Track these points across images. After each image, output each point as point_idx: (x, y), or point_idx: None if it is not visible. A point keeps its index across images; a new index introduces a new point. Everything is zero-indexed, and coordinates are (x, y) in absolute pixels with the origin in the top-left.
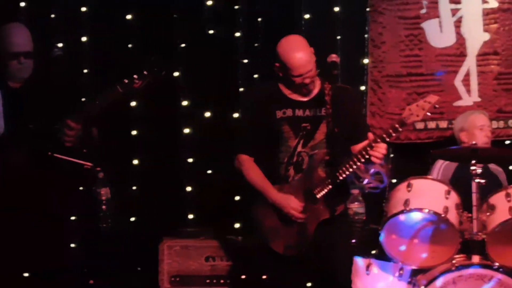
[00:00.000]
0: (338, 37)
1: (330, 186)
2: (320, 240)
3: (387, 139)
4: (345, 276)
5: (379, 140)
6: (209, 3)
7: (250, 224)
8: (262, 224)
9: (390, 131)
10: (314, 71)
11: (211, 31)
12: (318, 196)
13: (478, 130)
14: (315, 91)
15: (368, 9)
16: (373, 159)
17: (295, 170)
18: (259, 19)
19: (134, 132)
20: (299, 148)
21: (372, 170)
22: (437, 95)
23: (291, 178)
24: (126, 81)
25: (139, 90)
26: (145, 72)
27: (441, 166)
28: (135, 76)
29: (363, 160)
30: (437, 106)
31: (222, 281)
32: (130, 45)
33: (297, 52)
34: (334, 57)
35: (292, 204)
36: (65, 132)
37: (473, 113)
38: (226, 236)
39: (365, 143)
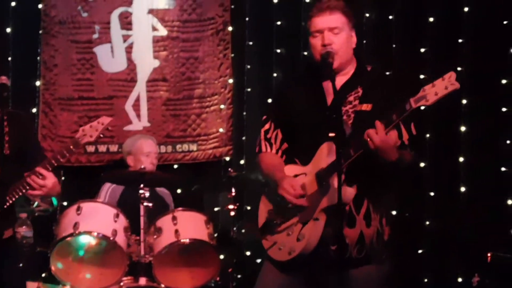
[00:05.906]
0: (9, 58)
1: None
2: None
3: (61, 160)
4: None
5: (48, 165)
6: None
7: None
8: None
9: (64, 152)
10: None
11: None
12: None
13: (144, 156)
14: None
15: (40, 32)
16: (31, 191)
17: None
18: None
19: None
20: None
21: None
22: (109, 117)
23: None
24: None
25: None
26: None
27: (108, 189)
28: None
29: (28, 187)
30: (110, 128)
31: None
32: None
33: None
34: (3, 79)
35: None
36: None
37: (141, 138)
38: None
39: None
